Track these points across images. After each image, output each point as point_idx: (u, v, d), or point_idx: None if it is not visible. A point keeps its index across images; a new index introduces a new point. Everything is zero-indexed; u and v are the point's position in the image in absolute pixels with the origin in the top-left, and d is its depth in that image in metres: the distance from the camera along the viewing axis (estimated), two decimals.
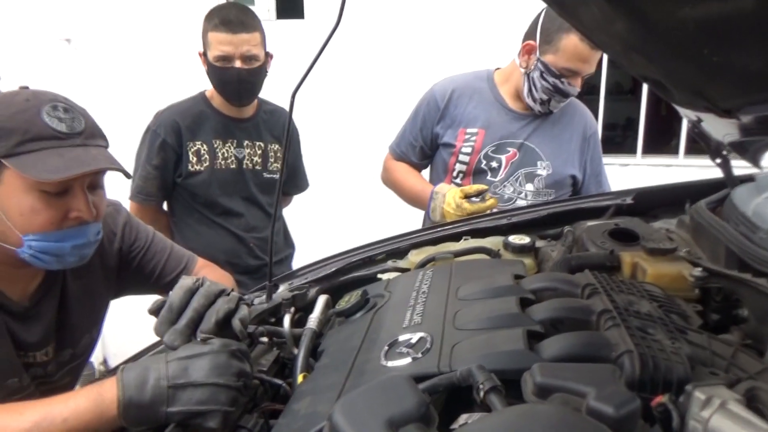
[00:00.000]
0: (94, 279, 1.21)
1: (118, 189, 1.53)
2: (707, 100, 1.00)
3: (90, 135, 1.05)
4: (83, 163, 1.01)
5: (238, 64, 1.88)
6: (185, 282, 0.89)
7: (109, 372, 1.01)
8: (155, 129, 1.98)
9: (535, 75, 1.72)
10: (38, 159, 0.98)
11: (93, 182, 1.08)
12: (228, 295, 0.89)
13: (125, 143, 2.18)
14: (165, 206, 2.12)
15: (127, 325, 2.08)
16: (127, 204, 1.92)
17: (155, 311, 0.88)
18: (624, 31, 0.95)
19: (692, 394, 0.55)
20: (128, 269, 1.27)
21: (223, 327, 0.87)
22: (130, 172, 2.02)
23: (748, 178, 1.25)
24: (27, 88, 1.07)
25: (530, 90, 1.76)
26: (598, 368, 0.60)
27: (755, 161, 1.20)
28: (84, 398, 0.79)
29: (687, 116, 1.19)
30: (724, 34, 0.74)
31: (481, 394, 0.59)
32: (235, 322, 0.86)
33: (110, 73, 3.57)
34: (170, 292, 0.88)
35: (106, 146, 1.09)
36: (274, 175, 2.12)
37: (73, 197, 1.04)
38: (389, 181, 2.02)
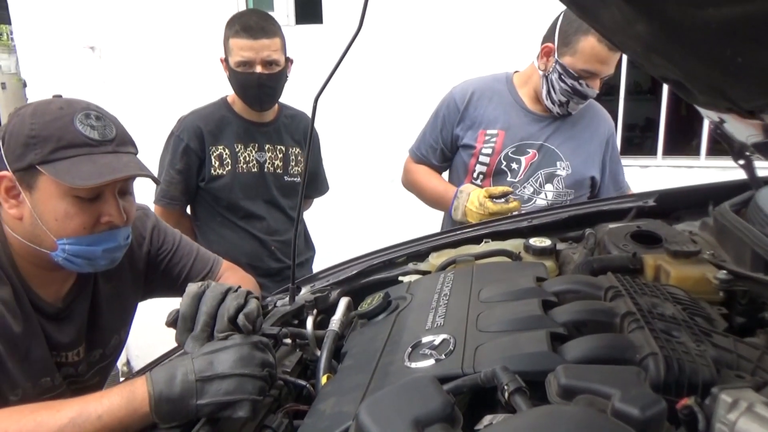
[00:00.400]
0: (124, 281, 1.24)
1: (143, 193, 1.56)
2: (729, 101, 0.99)
3: (121, 142, 1.09)
4: (115, 170, 1.04)
5: (259, 69, 1.91)
6: (191, 289, 0.93)
7: (135, 373, 1.03)
8: (178, 134, 2.01)
9: (554, 77, 1.72)
10: (72, 165, 1.01)
11: (123, 188, 1.11)
12: (236, 291, 0.92)
13: (150, 148, 2.23)
14: (189, 210, 2.15)
15: (150, 328, 2.11)
16: (151, 207, 1.96)
17: (172, 323, 0.92)
18: (644, 33, 0.95)
19: (718, 397, 0.55)
20: (156, 272, 1.30)
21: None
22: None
23: None
24: (60, 96, 1.11)
25: (549, 92, 1.76)
26: (623, 370, 0.61)
27: None
28: (117, 396, 0.81)
29: (709, 117, 1.17)
30: (749, 34, 0.74)
31: (506, 395, 0.59)
32: (240, 318, 0.88)
33: (133, 80, 3.64)
34: (180, 302, 0.91)
35: (136, 152, 1.12)
36: (295, 179, 2.14)
37: (104, 203, 1.07)
38: (410, 183, 2.03)
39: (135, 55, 3.63)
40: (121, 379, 2.90)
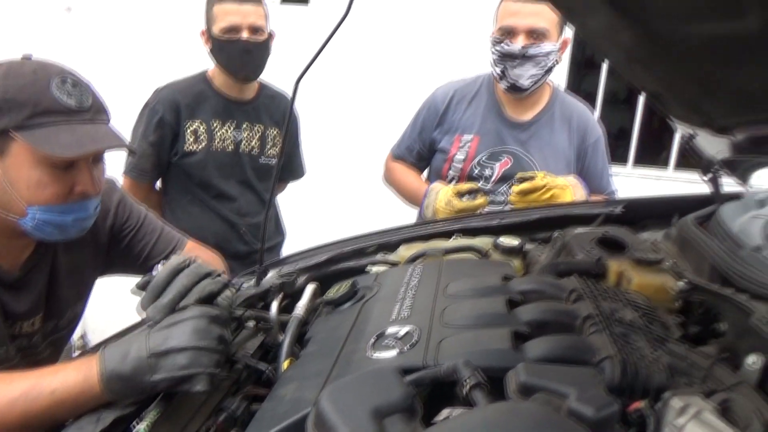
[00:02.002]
0: (84, 254, 1.22)
1: (111, 163, 1.52)
2: (704, 116, 1.02)
3: (97, 110, 1.07)
4: (96, 141, 1.03)
5: (245, 35, 1.88)
6: (173, 261, 0.90)
7: (90, 348, 1.01)
8: (154, 105, 1.97)
9: (492, 57, 1.76)
10: (50, 134, 0.99)
11: (96, 157, 1.09)
12: (215, 278, 0.90)
13: (121, 116, 2.18)
14: (159, 184, 2.11)
15: (109, 303, 2.07)
16: (120, 178, 1.91)
17: (142, 286, 0.89)
18: (629, 42, 0.97)
19: (669, 402, 0.56)
20: (117, 247, 1.27)
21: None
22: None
23: (735, 196, 1.28)
24: (30, 57, 1.07)
25: (494, 75, 1.78)
26: (580, 371, 0.62)
27: (744, 180, 1.22)
28: (73, 371, 0.79)
29: (682, 130, 1.20)
30: (728, 52, 0.76)
31: (466, 389, 0.60)
32: (222, 299, 0.87)
33: (110, 44, 3.53)
34: (157, 270, 0.89)
35: (109, 121, 1.10)
36: (271, 161, 2.11)
37: (78, 172, 1.05)
38: (389, 180, 2.06)
39: (113, 17, 3.52)
40: (76, 353, 2.84)
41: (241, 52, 1.91)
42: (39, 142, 0.98)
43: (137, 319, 1.10)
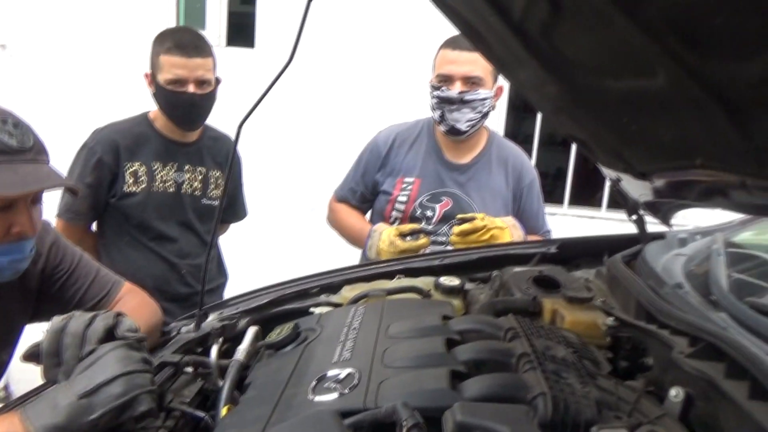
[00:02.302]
0: (11, 299, 1.16)
1: (45, 206, 1.47)
2: (625, 163, 1.09)
3: (38, 151, 1.06)
4: (38, 180, 1.02)
5: (191, 88, 1.87)
6: (53, 323, 0.89)
7: (14, 401, 0.96)
8: (92, 146, 1.92)
9: (431, 102, 1.83)
10: None
11: (34, 197, 1.08)
12: (104, 314, 0.90)
13: (57, 157, 2.11)
14: (94, 226, 2.04)
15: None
16: (53, 221, 1.84)
17: (29, 357, 0.87)
18: (555, 93, 1.04)
19: None
20: (48, 292, 1.22)
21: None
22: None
23: (659, 236, 1.36)
24: None
25: (434, 119, 1.86)
26: (514, 409, 0.64)
27: (666, 221, 1.31)
28: None
29: (608, 175, 1.28)
30: (641, 106, 0.83)
31: (404, 430, 0.61)
32: (118, 333, 0.85)
33: (46, 83, 3.44)
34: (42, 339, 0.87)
35: (49, 161, 1.09)
36: (213, 202, 2.09)
37: (16, 212, 1.03)
38: (332, 221, 2.07)
39: (49, 56, 3.44)
40: None
41: (187, 105, 1.89)
42: None
43: None
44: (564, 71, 0.94)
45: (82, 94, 3.37)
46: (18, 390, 3.31)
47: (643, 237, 1.30)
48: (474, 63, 1.74)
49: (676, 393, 0.75)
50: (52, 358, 0.85)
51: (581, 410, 0.66)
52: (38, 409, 0.76)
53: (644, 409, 0.73)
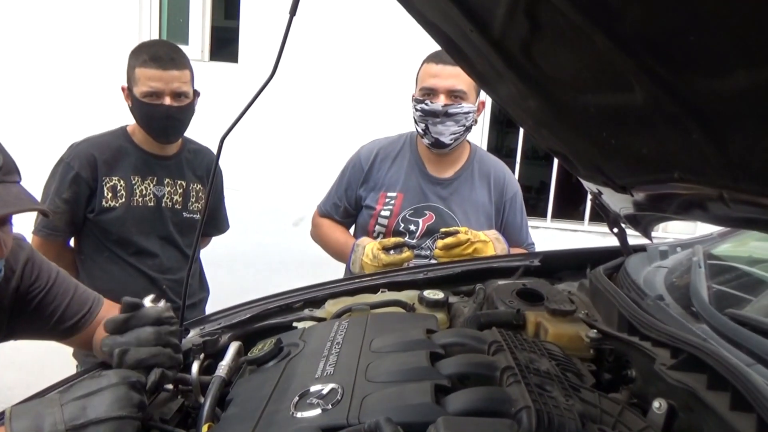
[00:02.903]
0: None
1: (20, 221, 1.45)
2: (605, 176, 1.10)
3: (7, 171, 1.01)
4: (6, 203, 0.97)
5: (167, 101, 1.86)
6: (159, 309, 0.99)
7: None
8: (69, 161, 1.90)
9: (414, 115, 1.85)
10: None
11: (3, 218, 1.03)
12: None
13: (33, 171, 2.08)
14: (72, 242, 2.01)
15: (12, 368, 1.92)
16: (29, 237, 1.81)
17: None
18: (535, 108, 1.05)
19: None
20: (23, 311, 1.18)
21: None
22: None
23: (641, 248, 1.37)
24: None
25: (418, 132, 1.87)
26: (498, 423, 0.64)
27: (646, 233, 1.32)
28: None
29: (589, 188, 1.30)
30: (620, 120, 0.84)
31: None
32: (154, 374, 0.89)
33: (22, 95, 3.40)
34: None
35: (20, 181, 1.05)
36: (194, 215, 2.07)
37: None
38: (316, 236, 2.07)
39: (27, 69, 3.40)
40: None
41: (163, 118, 1.88)
42: None
43: (43, 384, 1.03)
44: (544, 87, 0.95)
45: (60, 107, 3.33)
46: None
47: (625, 249, 1.31)
48: (457, 77, 1.76)
49: (659, 405, 0.76)
50: (123, 326, 0.92)
51: (565, 423, 0.66)
52: (23, 426, 0.74)
53: (628, 421, 0.73)
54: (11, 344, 1.24)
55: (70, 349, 1.89)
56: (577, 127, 0.98)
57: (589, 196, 1.33)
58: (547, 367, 0.80)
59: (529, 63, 0.90)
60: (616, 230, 1.33)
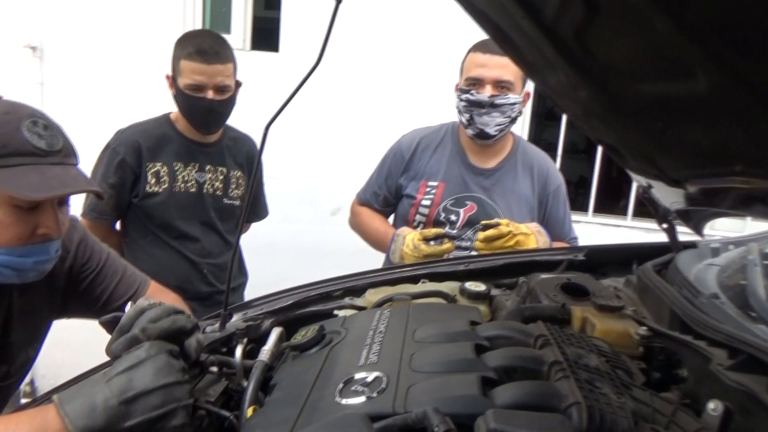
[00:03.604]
0: (39, 296, 1.17)
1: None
2: (658, 169, 1.07)
3: (67, 153, 1.06)
4: (64, 184, 1.02)
5: (210, 95, 1.88)
6: (140, 303, 0.89)
7: (39, 397, 0.96)
8: (115, 147, 1.95)
9: (458, 104, 1.81)
10: (17, 174, 0.97)
11: (61, 199, 1.07)
12: (186, 318, 0.89)
13: (82, 158, 2.14)
14: (118, 226, 2.07)
15: (61, 347, 1.99)
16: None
17: (107, 323, 0.88)
18: (586, 98, 1.02)
19: None
20: (76, 290, 1.23)
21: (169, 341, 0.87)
22: None
23: (691, 245, 1.33)
24: (1, 97, 1.06)
25: (461, 121, 1.84)
26: (549, 417, 0.62)
27: (698, 230, 1.28)
28: (26, 425, 0.75)
29: (638, 181, 1.26)
30: (678, 111, 0.81)
31: None
32: (191, 342, 0.86)
33: (74, 85, 3.50)
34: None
35: (78, 164, 1.09)
36: (234, 202, 2.10)
37: (43, 214, 1.03)
38: (355, 225, 2.07)
39: (77, 58, 3.49)
40: (23, 400, 2.69)
41: (205, 111, 1.91)
42: (5, 183, 0.97)
43: (90, 364, 1.06)
44: (597, 75, 0.92)
45: (106, 94, 3.42)
46: (42, 386, 3.36)
47: (675, 245, 1.27)
48: (505, 67, 1.73)
49: (714, 406, 0.73)
50: (123, 331, 0.85)
51: (617, 421, 0.64)
52: (76, 406, 0.76)
53: (681, 422, 0.70)
54: (60, 324, 1.29)
55: None
56: (631, 118, 0.95)
57: (636, 190, 1.29)
58: (596, 363, 0.78)
59: (582, 50, 0.87)
60: (665, 225, 1.29)
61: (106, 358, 1.09)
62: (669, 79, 0.76)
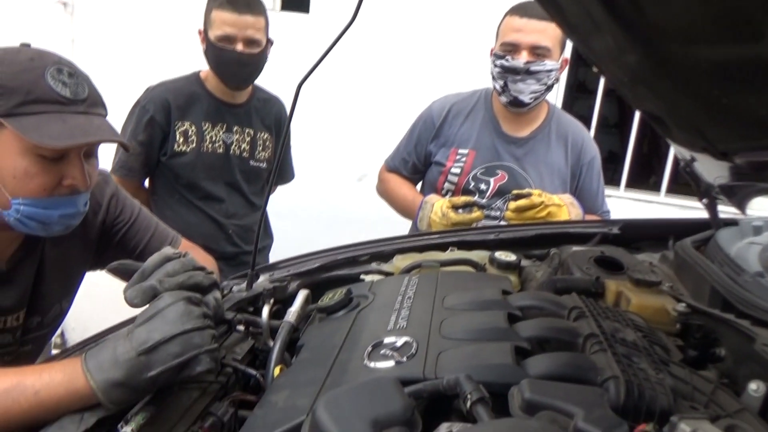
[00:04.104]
0: (73, 249, 1.17)
1: (99, 160, 1.49)
2: (706, 141, 1.01)
3: (92, 103, 1.03)
4: (87, 133, 0.99)
5: (239, 47, 1.86)
6: (165, 250, 0.88)
7: (69, 348, 0.97)
8: (144, 105, 1.94)
9: (492, 70, 1.75)
10: (40, 122, 0.95)
11: (89, 150, 1.05)
12: (207, 273, 0.88)
13: (114, 114, 2.14)
14: (146, 184, 2.08)
15: (90, 300, 2.02)
16: None
17: (114, 270, 0.90)
18: (635, 64, 0.96)
19: (677, 426, 0.55)
20: (109, 243, 1.23)
21: None
22: (113, 145, 1.99)
23: (731, 222, 1.28)
24: (29, 45, 1.04)
25: (495, 87, 1.78)
26: (587, 390, 0.60)
27: (741, 206, 1.22)
28: (59, 373, 0.76)
29: (680, 155, 1.21)
30: (738, 77, 0.75)
31: (468, 404, 0.58)
32: (208, 299, 0.85)
33: (105, 42, 3.50)
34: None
35: (106, 115, 1.07)
36: (261, 164, 2.10)
37: (69, 164, 1.01)
38: (383, 191, 2.04)
39: (108, 15, 3.48)
40: (53, 351, 2.77)
41: (234, 63, 1.89)
42: (27, 130, 0.94)
43: (119, 318, 1.07)
44: (648, 38, 0.86)
45: (139, 51, 3.41)
46: (72, 338, 3.46)
47: (715, 222, 1.22)
48: (542, 32, 1.66)
49: (756, 387, 0.70)
50: (143, 276, 0.84)
51: (656, 397, 0.62)
52: (100, 360, 0.76)
53: (721, 401, 0.68)
54: (90, 278, 1.30)
55: None
56: (683, 85, 0.90)
57: (674, 163, 1.24)
58: (633, 338, 0.75)
59: (635, 11, 0.82)
60: (706, 201, 1.24)
61: (135, 313, 1.11)
62: (731, 42, 0.71)
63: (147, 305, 0.82)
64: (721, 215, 1.27)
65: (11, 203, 0.99)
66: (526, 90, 1.71)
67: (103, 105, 1.07)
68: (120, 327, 1.02)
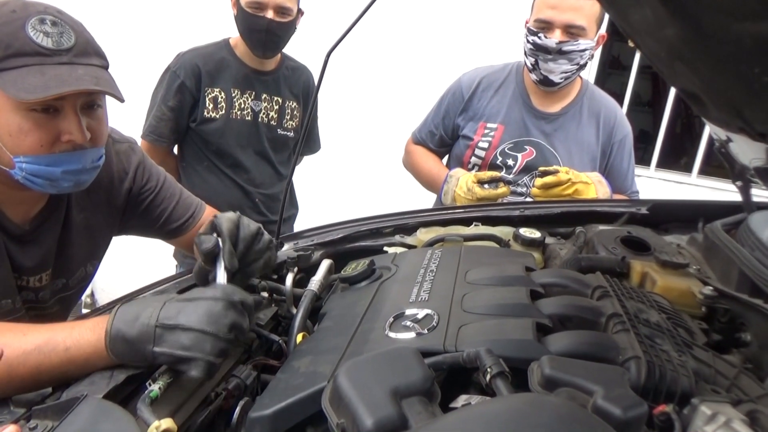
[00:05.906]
0: (98, 214, 1.19)
1: (130, 125, 1.51)
2: (744, 121, 0.98)
3: (81, 52, 0.97)
4: (64, 83, 0.93)
5: (270, 14, 1.85)
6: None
7: (100, 308, 1.00)
8: (175, 70, 1.95)
9: (524, 45, 1.71)
10: (19, 76, 0.91)
11: (88, 103, 1.00)
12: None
13: (143, 80, 2.16)
14: (176, 150, 2.10)
15: (120, 262, 2.07)
16: (138, 141, 1.91)
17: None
18: (674, 38, 0.93)
19: (698, 408, 0.55)
20: (135, 211, 1.24)
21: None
22: (145, 110, 2.01)
23: (765, 206, 1.24)
24: None
25: (525, 64, 1.75)
26: (608, 369, 0.60)
27: None
28: (88, 330, 0.78)
29: (716, 135, 1.17)
30: None
31: (488, 377, 0.59)
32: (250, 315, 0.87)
33: (136, 5, 3.51)
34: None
35: (102, 65, 1.01)
36: (288, 133, 2.10)
37: (64, 119, 0.97)
38: (408, 164, 2.02)
39: None
40: (84, 310, 2.86)
41: (264, 31, 1.88)
42: (5, 85, 0.91)
43: (146, 281, 1.09)
44: (691, 11, 0.83)
45: (171, 21, 3.42)
46: (101, 299, 3.57)
47: (748, 205, 1.19)
48: (578, 10, 1.61)
49: None
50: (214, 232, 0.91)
51: (677, 379, 0.62)
52: (125, 312, 0.78)
53: (744, 386, 0.67)
54: (117, 243, 1.33)
55: (170, 250, 2.02)
56: (723, 62, 0.87)
57: (709, 143, 1.20)
58: (657, 319, 0.75)
59: None
60: (740, 183, 1.20)
61: (161, 276, 1.13)
62: None
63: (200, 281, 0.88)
64: (755, 199, 1.24)
65: (14, 162, 0.97)
66: (557, 70, 1.67)
67: (97, 54, 1.01)
68: (144, 291, 1.05)
